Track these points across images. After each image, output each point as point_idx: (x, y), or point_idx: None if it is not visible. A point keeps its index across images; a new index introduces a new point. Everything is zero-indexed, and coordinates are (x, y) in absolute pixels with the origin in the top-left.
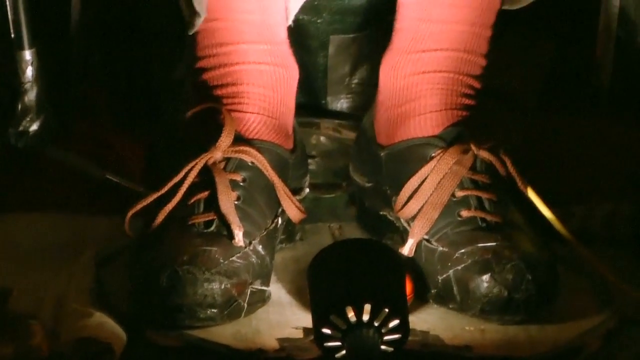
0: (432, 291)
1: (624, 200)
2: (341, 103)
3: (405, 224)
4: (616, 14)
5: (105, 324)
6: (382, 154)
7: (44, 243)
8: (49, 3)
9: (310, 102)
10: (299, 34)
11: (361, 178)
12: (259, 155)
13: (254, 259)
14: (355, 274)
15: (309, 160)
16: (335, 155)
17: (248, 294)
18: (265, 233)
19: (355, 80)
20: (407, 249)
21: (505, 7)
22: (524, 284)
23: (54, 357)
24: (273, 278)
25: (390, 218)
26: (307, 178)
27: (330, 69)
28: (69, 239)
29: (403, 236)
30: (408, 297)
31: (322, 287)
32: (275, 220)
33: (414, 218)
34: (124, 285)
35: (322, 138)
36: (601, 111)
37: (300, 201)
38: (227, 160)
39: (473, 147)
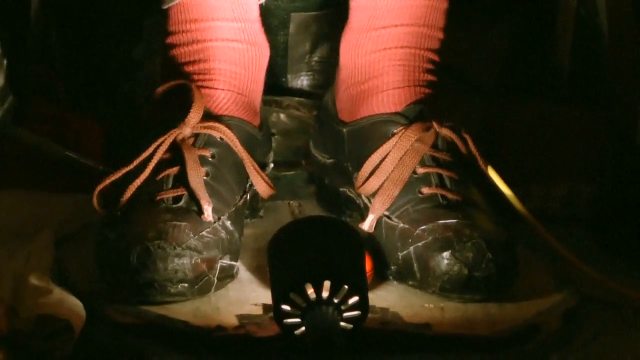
0: (392, 268)
1: (583, 181)
2: (301, 81)
3: (366, 201)
4: None
5: (65, 301)
6: (344, 131)
7: (3, 221)
8: None
9: (270, 80)
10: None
11: (322, 155)
12: (228, 131)
13: (223, 234)
14: (314, 251)
15: None
16: (295, 133)
17: (218, 268)
18: (234, 209)
19: (316, 58)
20: (367, 225)
21: None
22: (484, 262)
23: (13, 334)
24: None
25: (351, 194)
26: (272, 154)
27: (290, 47)
28: (28, 217)
29: (363, 213)
30: (368, 275)
31: (281, 265)
32: (244, 197)
33: (374, 194)
34: (83, 263)
35: (282, 116)
36: (560, 92)
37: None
38: (196, 136)
39: (435, 125)
